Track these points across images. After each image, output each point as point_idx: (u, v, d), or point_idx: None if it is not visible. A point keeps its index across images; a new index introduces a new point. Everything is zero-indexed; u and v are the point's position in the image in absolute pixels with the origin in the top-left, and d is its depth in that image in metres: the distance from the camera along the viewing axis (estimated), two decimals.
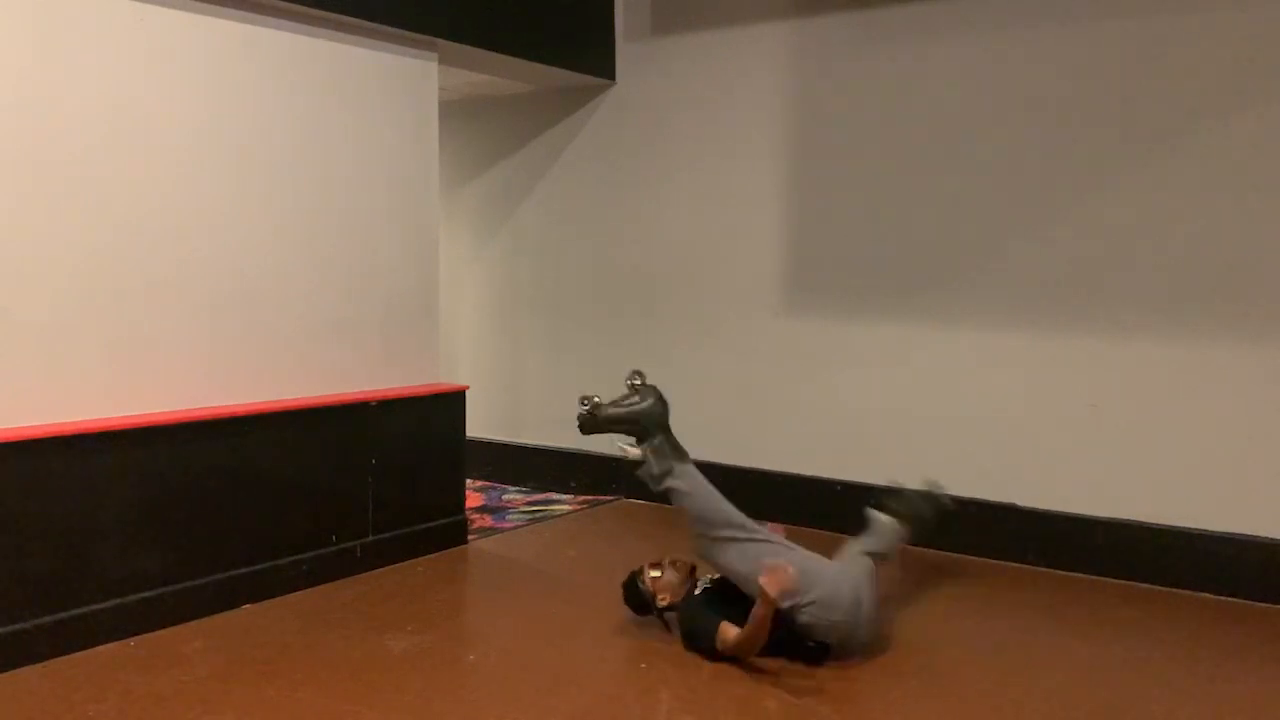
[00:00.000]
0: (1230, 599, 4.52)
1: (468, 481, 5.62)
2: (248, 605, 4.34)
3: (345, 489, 4.79)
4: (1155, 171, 4.68)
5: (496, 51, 5.48)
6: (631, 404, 4.05)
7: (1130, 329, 4.75)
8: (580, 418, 4.06)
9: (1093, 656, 3.90)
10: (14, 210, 3.74)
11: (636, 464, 4.03)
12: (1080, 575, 4.85)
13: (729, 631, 3.65)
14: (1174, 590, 4.63)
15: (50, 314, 3.84)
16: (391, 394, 5.02)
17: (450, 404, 5.31)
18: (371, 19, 4.78)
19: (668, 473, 3.93)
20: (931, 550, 5.20)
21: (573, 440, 6.51)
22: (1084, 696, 3.52)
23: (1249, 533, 4.51)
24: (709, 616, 3.74)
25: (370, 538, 4.87)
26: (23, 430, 3.73)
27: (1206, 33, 4.54)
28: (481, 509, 6.07)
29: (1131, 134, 4.72)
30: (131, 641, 3.94)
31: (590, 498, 6.35)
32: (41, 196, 3.81)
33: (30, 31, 3.77)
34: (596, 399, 4.09)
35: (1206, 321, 4.58)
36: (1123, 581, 4.75)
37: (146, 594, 4.04)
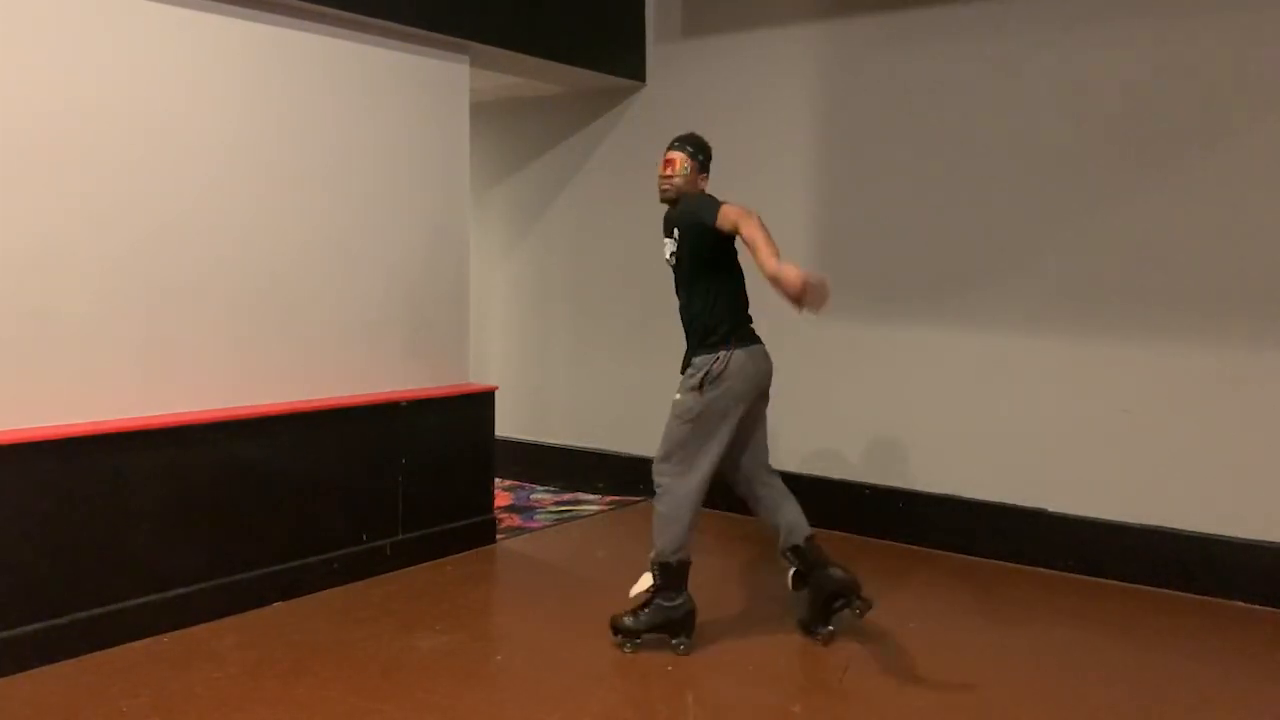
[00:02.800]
0: (1268, 608, 4.47)
1: (496, 481, 5.65)
2: (279, 602, 4.39)
3: (375, 488, 4.82)
4: (1190, 175, 4.63)
5: (527, 54, 5.50)
6: None
7: (1164, 333, 4.71)
8: None
9: (1124, 664, 3.87)
10: (51, 214, 3.79)
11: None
12: (1111, 582, 4.81)
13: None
14: (1207, 598, 4.58)
15: (86, 315, 3.90)
16: (422, 394, 5.05)
17: (480, 404, 5.34)
18: (403, 22, 4.81)
19: None
20: (960, 556, 5.18)
21: (601, 441, 6.56)
22: (1115, 704, 3.49)
23: None
24: None
25: (400, 536, 4.91)
26: (59, 429, 3.79)
27: (1246, 34, 4.49)
28: (510, 508, 6.10)
29: (1169, 136, 4.67)
30: (165, 638, 3.99)
31: (618, 498, 6.37)
32: (78, 201, 3.87)
33: (63, 39, 3.82)
34: None
35: (1242, 326, 4.53)
36: (1155, 589, 4.70)
37: (179, 591, 4.09)
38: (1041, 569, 4.99)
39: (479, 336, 6.61)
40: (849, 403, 5.59)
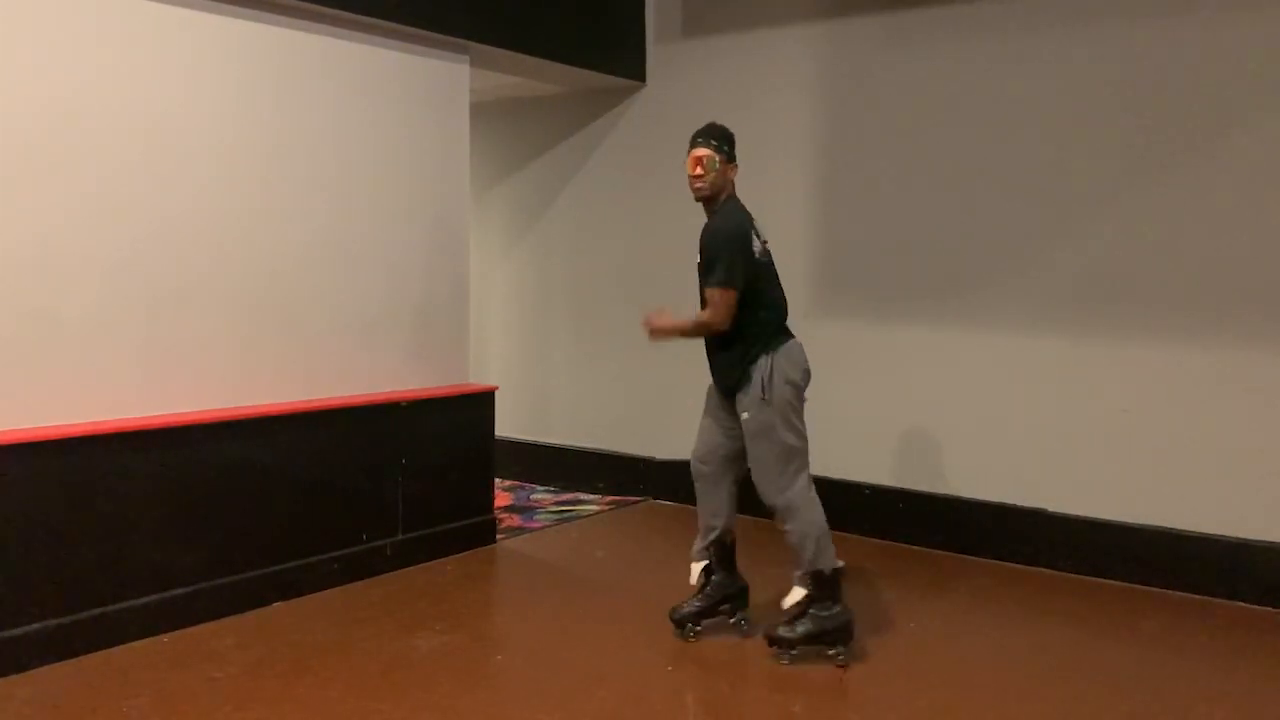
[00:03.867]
0: (1268, 608, 4.47)
1: (496, 481, 5.65)
2: (279, 603, 4.39)
3: (375, 488, 4.82)
4: (1190, 176, 4.63)
5: (527, 54, 5.50)
6: None
7: (1163, 333, 4.71)
8: None
9: (1124, 664, 3.87)
10: (52, 214, 3.79)
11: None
12: (1110, 582, 4.80)
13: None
14: (1207, 599, 4.58)
15: (87, 316, 3.90)
16: (422, 394, 5.05)
17: (480, 404, 5.34)
18: (403, 22, 4.81)
19: None
20: (960, 555, 5.18)
21: (600, 441, 6.55)
22: (1115, 705, 3.49)
23: None
24: None
25: (400, 537, 4.91)
26: (60, 429, 3.79)
27: (1245, 35, 4.49)
28: (510, 509, 6.10)
29: (1167, 138, 4.67)
30: (165, 638, 3.99)
31: (617, 498, 6.37)
32: (78, 201, 3.87)
33: (63, 39, 3.82)
34: None
35: (1241, 326, 4.53)
36: (1154, 589, 4.70)
37: (180, 591, 4.09)
38: (1041, 569, 4.99)
39: (479, 336, 6.61)
40: (848, 403, 5.58)
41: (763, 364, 3.82)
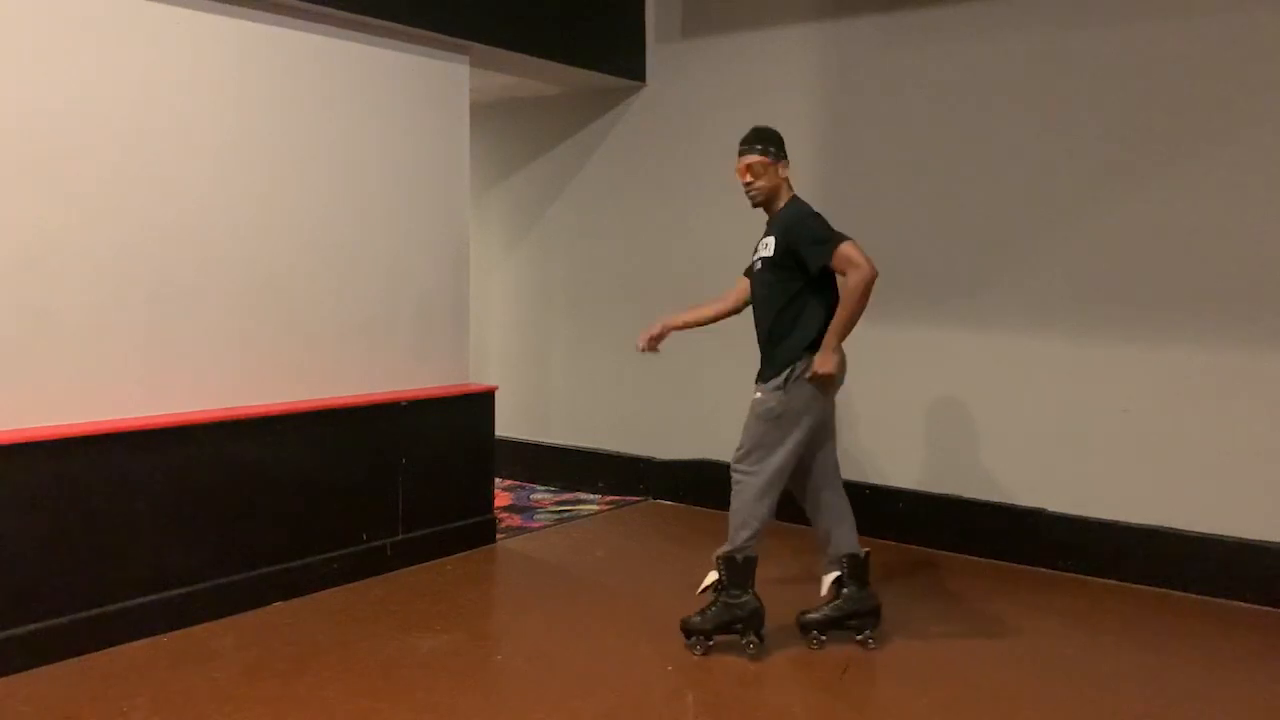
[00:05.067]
0: (1268, 608, 4.46)
1: (496, 481, 5.65)
2: (278, 602, 4.39)
3: (375, 488, 4.82)
4: (1190, 176, 4.62)
5: (527, 54, 5.50)
6: None
7: (1163, 333, 4.71)
8: None
9: (1124, 664, 3.87)
10: (52, 213, 3.79)
11: None
12: (1111, 581, 4.80)
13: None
14: (1208, 599, 4.58)
15: (86, 315, 3.90)
16: (422, 394, 5.05)
17: (480, 404, 5.34)
18: (403, 22, 4.81)
19: None
20: (960, 555, 5.18)
21: (600, 440, 6.55)
22: (1114, 705, 3.49)
23: None
24: None
25: (400, 536, 4.91)
26: (59, 429, 3.79)
27: (1241, 35, 4.49)
28: (510, 508, 6.10)
29: (1169, 136, 4.67)
30: (164, 637, 3.99)
31: (618, 498, 6.37)
32: (78, 200, 3.87)
33: (63, 38, 3.82)
34: None
35: (1241, 326, 4.53)
36: (1154, 589, 4.70)
37: (179, 591, 4.09)
38: (1041, 569, 4.99)
39: (479, 336, 6.61)
40: (848, 402, 5.58)
41: (805, 360, 3.83)
